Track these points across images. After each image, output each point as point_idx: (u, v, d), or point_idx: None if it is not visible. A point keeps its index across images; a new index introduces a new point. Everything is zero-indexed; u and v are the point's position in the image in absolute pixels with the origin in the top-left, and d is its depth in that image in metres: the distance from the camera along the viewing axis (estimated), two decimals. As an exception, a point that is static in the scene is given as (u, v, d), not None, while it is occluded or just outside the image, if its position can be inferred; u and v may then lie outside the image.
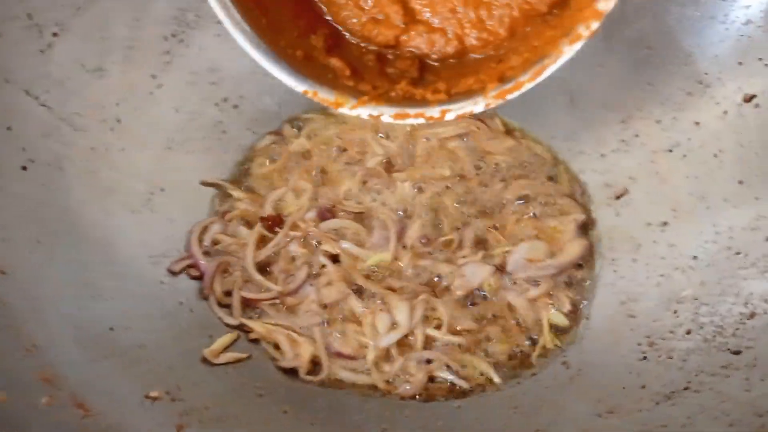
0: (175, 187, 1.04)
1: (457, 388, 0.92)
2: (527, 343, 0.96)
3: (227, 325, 0.96)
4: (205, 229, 1.03)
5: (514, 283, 0.99)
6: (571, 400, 0.88)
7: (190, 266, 1.00)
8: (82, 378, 0.79)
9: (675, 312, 0.91)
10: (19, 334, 0.79)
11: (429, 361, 0.93)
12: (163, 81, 1.07)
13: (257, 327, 0.96)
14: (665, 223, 0.99)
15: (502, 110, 1.12)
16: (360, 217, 1.04)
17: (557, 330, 0.97)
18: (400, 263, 1.00)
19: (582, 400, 0.87)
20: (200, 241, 1.02)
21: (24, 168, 0.92)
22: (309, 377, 0.93)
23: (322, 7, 0.83)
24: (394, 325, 0.94)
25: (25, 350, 0.78)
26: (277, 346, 0.95)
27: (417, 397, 0.92)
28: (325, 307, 0.97)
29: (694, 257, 0.95)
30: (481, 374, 0.93)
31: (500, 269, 0.99)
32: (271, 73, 0.76)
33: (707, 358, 0.84)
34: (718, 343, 0.85)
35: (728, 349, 0.84)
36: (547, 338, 0.96)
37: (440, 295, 0.98)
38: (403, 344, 0.94)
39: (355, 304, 0.96)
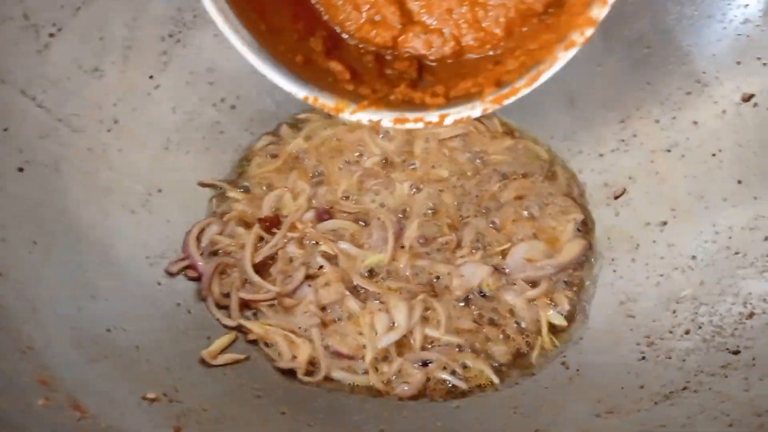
0: (173, 188, 1.04)
1: (456, 388, 0.92)
2: (526, 343, 0.96)
3: (225, 326, 0.96)
4: (202, 230, 1.03)
5: (513, 283, 0.99)
6: (570, 400, 0.88)
7: (187, 267, 1.00)
8: (79, 379, 0.78)
9: (674, 312, 0.91)
10: (16, 335, 0.79)
11: (427, 362, 0.93)
12: (160, 81, 1.06)
13: (255, 328, 0.95)
14: (664, 223, 0.99)
15: (500, 110, 1.11)
16: (358, 217, 1.03)
17: (556, 330, 0.97)
18: (398, 264, 0.99)
19: (581, 400, 0.86)
20: (198, 242, 1.02)
21: (20, 169, 0.91)
22: (307, 378, 0.92)
23: (320, 8, 0.83)
24: (392, 325, 0.94)
25: (22, 352, 0.77)
26: (270, 346, 0.95)
27: (415, 397, 0.92)
28: (323, 308, 0.96)
29: (693, 257, 0.95)
30: (480, 374, 0.93)
31: (499, 269, 0.99)
32: (272, 80, 0.76)
33: (706, 358, 0.84)
34: (717, 343, 0.85)
35: (727, 349, 0.84)
36: (545, 338, 0.96)
37: (439, 295, 0.97)
38: (401, 345, 0.94)
39: (353, 305, 0.95)
